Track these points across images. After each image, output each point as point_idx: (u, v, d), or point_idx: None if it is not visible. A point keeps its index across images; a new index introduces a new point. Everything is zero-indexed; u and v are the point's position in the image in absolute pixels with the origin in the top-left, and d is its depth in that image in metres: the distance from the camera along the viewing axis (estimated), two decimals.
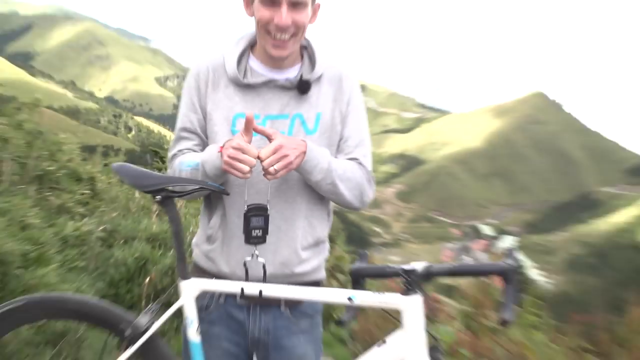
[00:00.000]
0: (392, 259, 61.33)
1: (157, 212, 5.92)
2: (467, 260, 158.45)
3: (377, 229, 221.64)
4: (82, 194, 5.90)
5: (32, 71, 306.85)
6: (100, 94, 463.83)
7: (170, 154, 2.36)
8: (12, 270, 3.31)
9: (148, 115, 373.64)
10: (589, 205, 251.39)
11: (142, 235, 5.26)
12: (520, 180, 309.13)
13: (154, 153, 14.32)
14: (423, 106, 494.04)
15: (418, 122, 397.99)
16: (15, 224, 4.00)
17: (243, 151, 1.97)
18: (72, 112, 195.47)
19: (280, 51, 2.18)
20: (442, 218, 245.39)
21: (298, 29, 2.17)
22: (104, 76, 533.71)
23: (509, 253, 2.14)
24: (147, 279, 4.66)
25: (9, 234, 3.63)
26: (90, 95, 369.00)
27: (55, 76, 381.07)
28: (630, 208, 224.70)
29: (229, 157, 1.99)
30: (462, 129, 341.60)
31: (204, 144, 2.33)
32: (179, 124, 2.36)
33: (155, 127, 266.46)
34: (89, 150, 11.91)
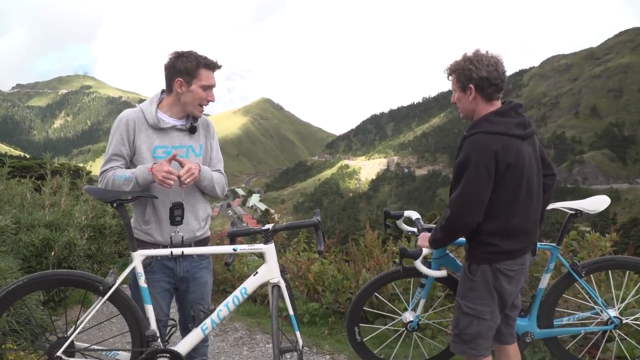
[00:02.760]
0: None
1: (48, 206, 5.68)
2: (231, 212, 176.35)
3: None
4: None
5: None
6: None
7: (102, 169, 2.60)
8: None
9: None
10: (304, 170, 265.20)
11: (39, 223, 5.17)
12: (258, 157, 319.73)
13: None
14: None
15: None
16: None
17: (170, 173, 2.44)
18: None
19: (200, 112, 2.69)
20: None
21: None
22: None
23: (315, 214, 2.73)
24: (52, 253, 4.76)
25: None
26: None
27: None
28: (330, 169, 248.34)
29: (162, 176, 2.43)
30: (220, 125, 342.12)
31: (126, 165, 2.62)
32: (111, 150, 2.60)
33: None
34: None
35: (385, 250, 5.20)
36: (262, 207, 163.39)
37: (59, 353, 2.44)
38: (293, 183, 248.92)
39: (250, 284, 2.61)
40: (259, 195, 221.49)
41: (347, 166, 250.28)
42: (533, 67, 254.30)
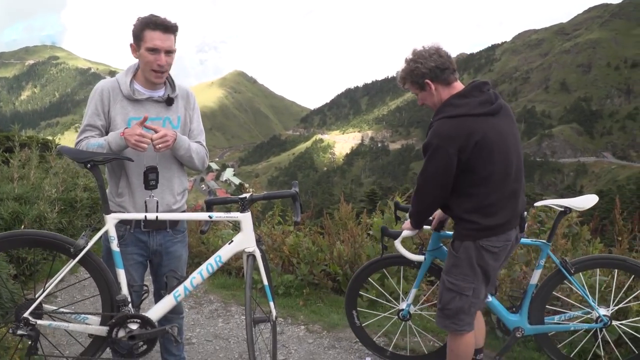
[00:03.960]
0: None
1: (17, 179, 5.53)
2: (205, 186, 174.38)
3: None
4: None
5: None
6: None
7: (77, 139, 2.54)
8: None
9: None
10: (278, 144, 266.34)
11: (8, 197, 5.03)
12: (232, 131, 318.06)
13: None
14: None
15: None
16: None
17: (144, 136, 2.37)
18: None
19: (159, 79, 2.55)
20: None
21: (169, 66, 2.53)
22: None
23: (293, 185, 2.71)
24: (22, 227, 4.57)
25: None
26: None
27: None
28: (305, 143, 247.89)
29: (135, 140, 2.36)
30: (206, 95, 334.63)
31: (101, 135, 2.53)
32: (86, 121, 2.56)
33: None
34: None
35: (359, 223, 5.22)
36: (236, 181, 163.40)
37: (25, 314, 2.39)
38: (267, 157, 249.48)
39: (225, 252, 2.57)
40: (232, 169, 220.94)
41: (321, 140, 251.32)
42: (505, 42, 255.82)
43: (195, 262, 5.58)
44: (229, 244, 2.58)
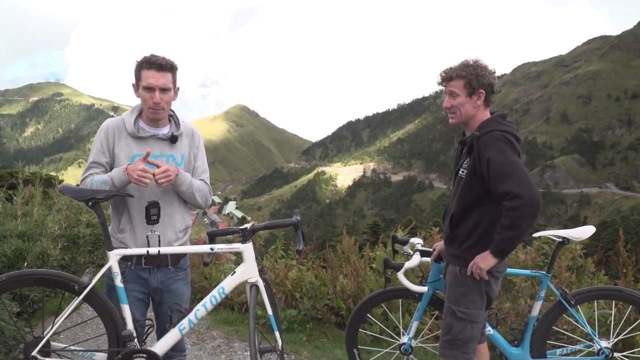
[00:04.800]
0: None
1: (21, 216, 5.50)
2: (207, 220, 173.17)
3: None
4: None
5: None
6: None
7: (82, 176, 2.58)
8: None
9: None
10: (280, 177, 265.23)
11: (11, 234, 5.01)
12: (234, 164, 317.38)
13: None
14: None
15: None
16: None
17: (146, 171, 2.40)
18: None
19: (155, 115, 2.57)
20: None
21: (166, 104, 2.55)
22: None
23: (294, 213, 2.70)
24: (25, 264, 4.61)
25: None
26: None
27: None
28: (307, 175, 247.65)
29: (138, 175, 2.39)
30: (208, 129, 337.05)
31: (106, 172, 2.57)
32: (92, 159, 2.60)
33: None
34: None
35: (362, 256, 5.21)
36: (239, 214, 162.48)
37: (34, 353, 2.39)
38: (269, 190, 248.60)
39: (227, 284, 2.58)
40: (235, 202, 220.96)
41: (323, 173, 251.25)
42: (505, 74, 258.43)
43: (198, 297, 5.54)
44: (232, 275, 2.59)
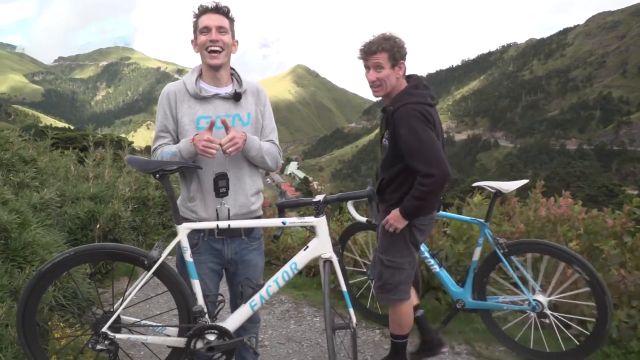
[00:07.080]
0: None
1: (92, 178, 5.59)
2: (270, 180, 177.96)
3: None
4: (35, 171, 5.21)
5: None
6: None
7: (153, 147, 2.52)
8: (12, 234, 3.30)
9: (22, 104, 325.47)
10: (341, 137, 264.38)
11: (84, 196, 5.14)
12: (295, 124, 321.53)
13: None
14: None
15: None
16: None
17: (211, 142, 2.27)
18: None
19: (214, 60, 2.42)
20: None
21: (224, 45, 2.42)
22: None
23: (367, 183, 2.60)
24: (97, 226, 4.73)
25: None
26: None
27: None
28: (368, 135, 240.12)
29: (203, 146, 2.27)
30: (270, 90, 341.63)
31: (174, 140, 2.48)
32: (158, 127, 2.54)
33: (30, 112, 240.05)
34: None
35: None
36: (301, 174, 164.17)
37: (104, 329, 2.34)
38: (330, 150, 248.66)
39: (300, 259, 2.47)
40: (296, 163, 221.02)
41: None
42: (578, 25, 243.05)
43: (265, 261, 5.49)
44: (304, 250, 2.47)
